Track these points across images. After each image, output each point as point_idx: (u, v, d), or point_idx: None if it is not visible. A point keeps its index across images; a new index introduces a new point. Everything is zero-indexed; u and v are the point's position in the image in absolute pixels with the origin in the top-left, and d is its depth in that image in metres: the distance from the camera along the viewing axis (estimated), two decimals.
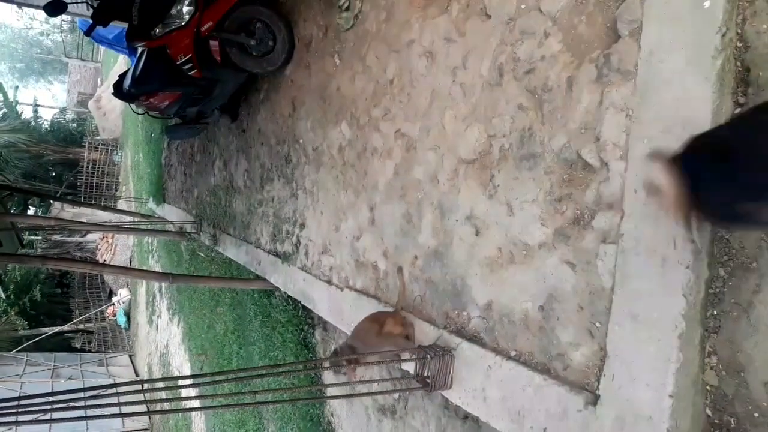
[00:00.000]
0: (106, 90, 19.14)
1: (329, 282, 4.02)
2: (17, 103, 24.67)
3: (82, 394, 2.36)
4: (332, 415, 4.23)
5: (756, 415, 1.65)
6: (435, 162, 2.93)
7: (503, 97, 2.49)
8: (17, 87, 32.25)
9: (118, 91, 5.86)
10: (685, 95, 1.74)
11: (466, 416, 2.73)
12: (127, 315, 17.41)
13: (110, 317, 19.10)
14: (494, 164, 2.54)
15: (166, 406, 8.01)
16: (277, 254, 5.03)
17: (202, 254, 8.06)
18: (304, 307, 4.57)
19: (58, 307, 20.98)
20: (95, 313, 18.98)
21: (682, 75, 1.75)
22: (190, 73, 5.04)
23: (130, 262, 16.97)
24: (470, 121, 2.69)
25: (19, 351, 14.96)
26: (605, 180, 2.02)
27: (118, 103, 18.88)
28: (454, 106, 2.80)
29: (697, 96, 1.71)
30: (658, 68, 1.82)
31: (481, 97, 2.63)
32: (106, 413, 2.28)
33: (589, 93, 2.10)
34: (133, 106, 6.26)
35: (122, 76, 5.99)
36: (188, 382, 2.81)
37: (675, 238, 1.74)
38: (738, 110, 1.71)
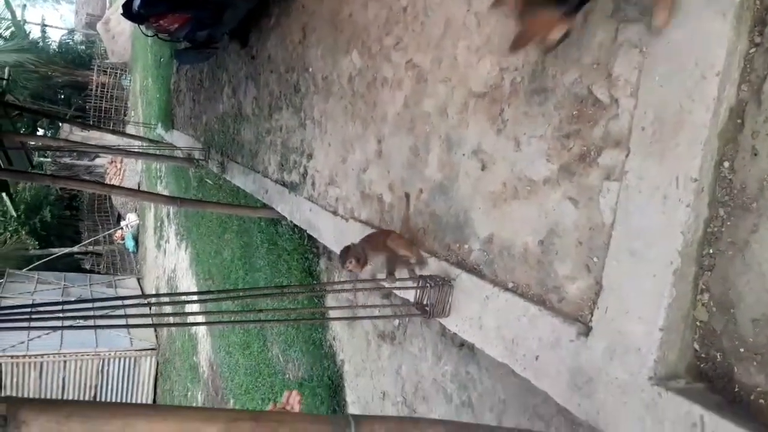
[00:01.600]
0: (114, 12, 18.78)
1: (335, 212, 4.07)
2: (25, 22, 24.24)
3: (91, 305, 2.45)
4: (334, 339, 4.37)
5: (742, 350, 1.70)
6: (445, 94, 2.91)
7: None
8: (25, 6, 31.56)
9: (128, 11, 5.76)
10: (700, 31, 1.71)
11: (462, 344, 2.83)
12: (135, 239, 17.71)
13: (118, 241, 19.45)
14: (505, 98, 2.52)
15: (172, 321, 8.25)
16: (284, 184, 5.07)
17: (210, 181, 8.12)
18: (310, 237, 4.64)
19: (67, 228, 21.33)
20: (104, 236, 19.30)
21: (699, 10, 1.71)
22: None
23: (139, 187, 17.10)
24: (483, 52, 2.65)
25: (30, 269, 15.32)
26: (614, 117, 2.02)
27: (127, 26, 18.56)
28: (467, 37, 2.76)
29: (712, 33, 1.68)
30: (675, 3, 1.78)
31: (496, 27, 2.58)
32: (114, 324, 2.38)
33: (605, 28, 2.06)
34: (143, 27, 6.17)
35: None
36: (194, 298, 2.91)
37: (678, 177, 1.76)
38: (753, 50, 1.69)
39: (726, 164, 1.75)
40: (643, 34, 1.92)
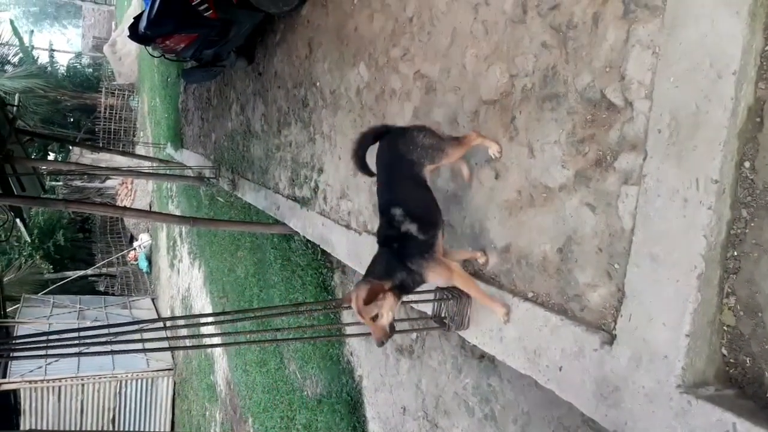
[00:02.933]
0: (120, 34, 18.98)
1: (348, 226, 4.05)
2: (33, 47, 24.53)
3: (107, 331, 2.44)
4: (351, 354, 4.34)
5: None
6: (455, 104, 2.89)
7: (527, 35, 2.43)
8: (32, 31, 31.95)
9: (134, 33, 5.81)
10: (714, 31, 1.68)
11: (482, 355, 2.79)
12: (149, 259, 17.76)
13: (132, 262, 19.50)
14: (516, 105, 2.50)
15: (188, 343, 8.24)
16: (295, 199, 5.06)
17: (221, 199, 8.14)
18: (323, 251, 4.62)
19: (81, 251, 21.45)
20: (117, 258, 19.38)
21: (712, 9, 1.69)
22: (205, 15, 4.98)
23: (150, 207, 17.19)
24: (492, 60, 2.63)
25: (45, 293, 15.39)
26: (629, 120, 1.99)
27: (133, 48, 18.74)
28: (475, 45, 2.74)
29: (726, 32, 1.66)
30: (687, 3, 1.76)
31: (504, 35, 2.56)
32: (130, 348, 2.36)
33: (615, 30, 2.04)
34: (150, 48, 6.22)
35: (138, 18, 5.92)
36: (209, 319, 2.89)
37: (698, 179, 1.72)
38: None
39: (747, 164, 1.71)
40: (655, 35, 1.89)
